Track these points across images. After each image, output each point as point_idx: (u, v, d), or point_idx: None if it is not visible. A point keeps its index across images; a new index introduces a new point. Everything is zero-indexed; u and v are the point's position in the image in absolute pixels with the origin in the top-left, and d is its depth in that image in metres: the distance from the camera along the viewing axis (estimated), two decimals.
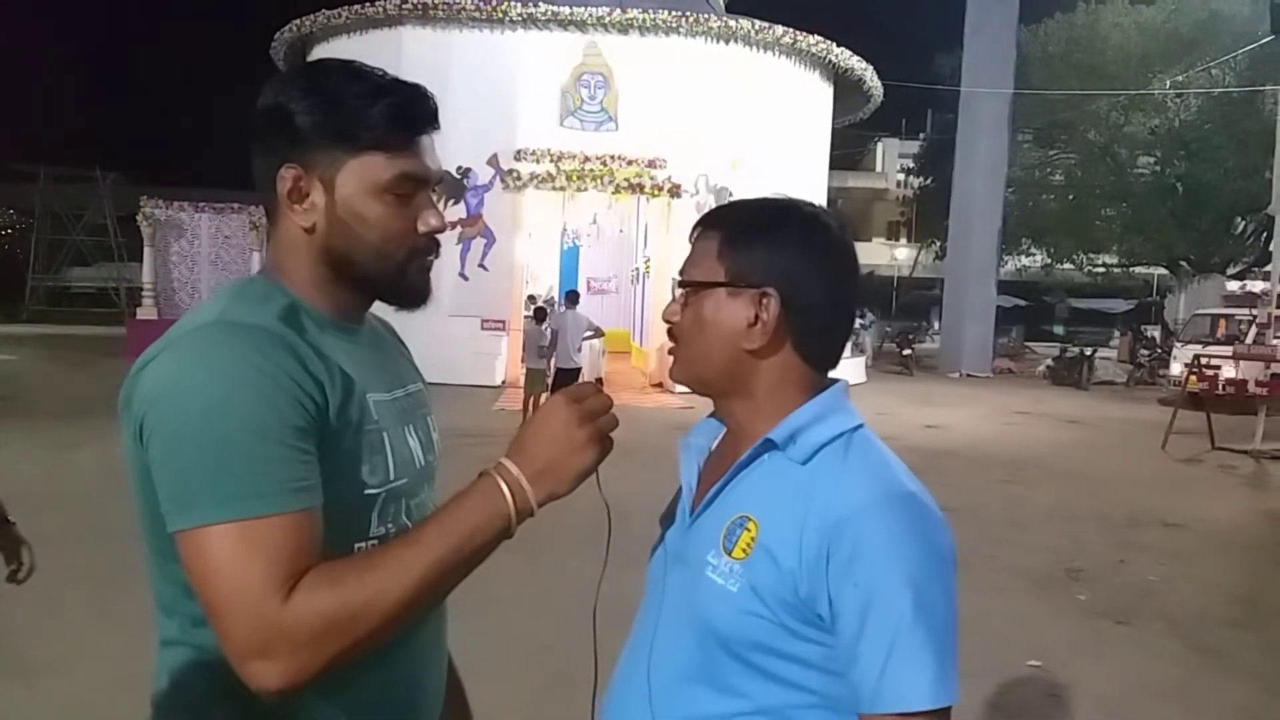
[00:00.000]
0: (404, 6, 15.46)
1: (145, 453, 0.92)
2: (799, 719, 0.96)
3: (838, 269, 1.05)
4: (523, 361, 10.83)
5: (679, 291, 1.06)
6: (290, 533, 0.88)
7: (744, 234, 1.03)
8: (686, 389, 1.10)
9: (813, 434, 1.00)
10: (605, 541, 1.10)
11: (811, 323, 1.03)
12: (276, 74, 1.04)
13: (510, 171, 15.32)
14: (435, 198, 1.08)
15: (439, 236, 1.08)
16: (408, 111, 1.02)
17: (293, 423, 0.91)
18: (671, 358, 1.10)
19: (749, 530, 0.97)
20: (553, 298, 17.50)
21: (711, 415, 1.14)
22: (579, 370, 10.46)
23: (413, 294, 1.08)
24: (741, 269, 1.02)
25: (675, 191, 15.44)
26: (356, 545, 0.98)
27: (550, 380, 10.41)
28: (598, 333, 11.15)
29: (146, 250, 18.69)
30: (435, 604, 0.94)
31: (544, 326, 10.67)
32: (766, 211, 1.06)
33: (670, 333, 1.09)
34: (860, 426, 1.03)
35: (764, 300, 1.01)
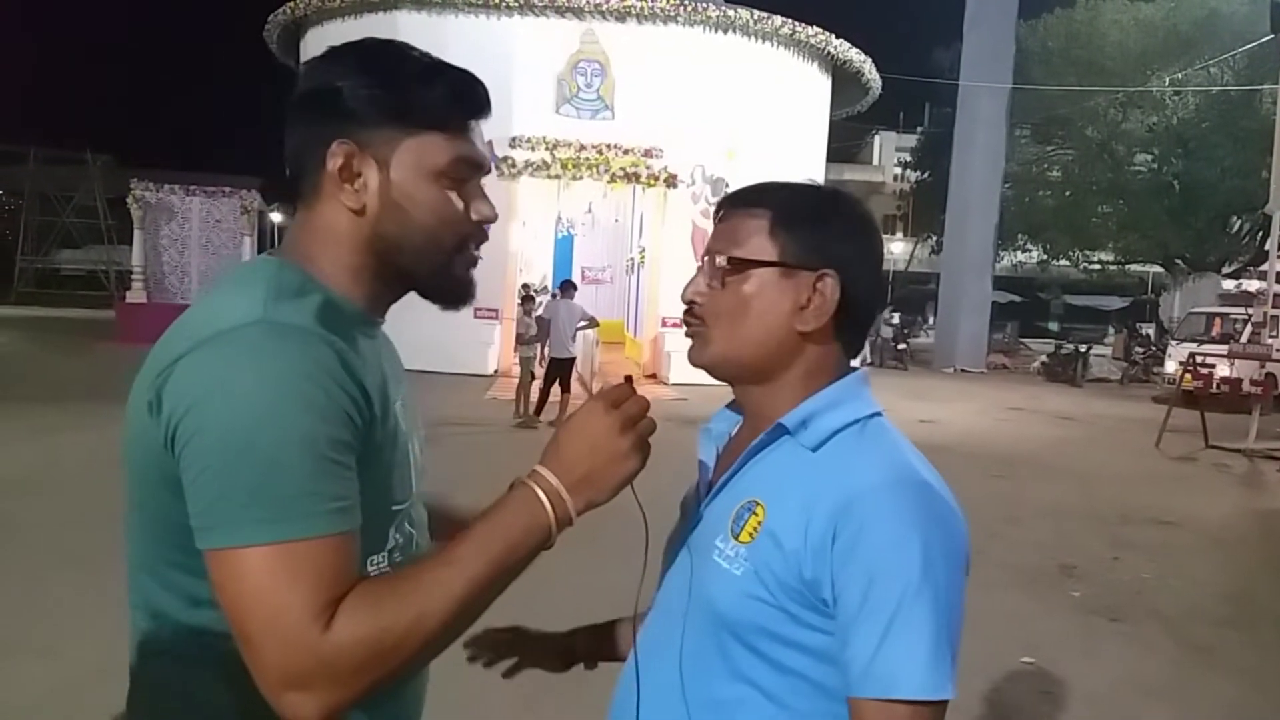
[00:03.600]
0: None
1: (174, 458, 0.83)
2: (799, 706, 0.94)
3: (880, 259, 1.05)
4: (515, 350, 10.83)
5: (719, 269, 1.00)
6: (332, 556, 0.82)
7: (797, 215, 1.00)
8: (690, 379, 1.04)
9: (826, 420, 0.98)
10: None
11: (857, 310, 1.01)
12: (321, 54, 0.98)
13: (505, 159, 15.21)
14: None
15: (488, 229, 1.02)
16: (467, 94, 0.98)
17: (340, 437, 0.84)
18: (691, 339, 1.04)
19: (756, 515, 0.96)
20: (545, 286, 17.45)
21: (730, 405, 1.11)
22: (573, 360, 10.43)
23: (457, 288, 1.01)
24: (797, 249, 0.99)
25: (671, 181, 15.18)
26: (370, 557, 0.92)
27: (545, 369, 10.39)
28: (592, 323, 11.09)
29: (136, 233, 18.62)
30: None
31: (533, 314, 10.66)
32: (818, 195, 1.04)
33: (692, 312, 1.03)
34: (877, 414, 1.00)
35: (820, 282, 0.98)
